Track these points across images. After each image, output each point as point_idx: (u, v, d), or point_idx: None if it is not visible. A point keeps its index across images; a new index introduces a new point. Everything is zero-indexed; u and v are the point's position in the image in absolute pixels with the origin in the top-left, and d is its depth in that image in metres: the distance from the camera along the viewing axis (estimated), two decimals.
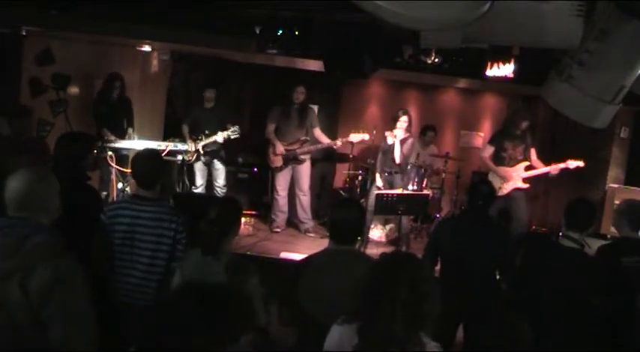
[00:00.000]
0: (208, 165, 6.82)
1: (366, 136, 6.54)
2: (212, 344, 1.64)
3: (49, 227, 2.27)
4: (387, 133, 6.53)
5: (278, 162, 6.73)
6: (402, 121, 6.41)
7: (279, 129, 6.73)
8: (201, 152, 6.62)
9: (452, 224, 4.44)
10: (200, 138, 6.56)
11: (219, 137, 6.43)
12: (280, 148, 6.66)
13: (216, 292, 1.77)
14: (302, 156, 6.74)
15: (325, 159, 8.08)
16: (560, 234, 3.64)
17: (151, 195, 3.31)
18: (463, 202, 6.90)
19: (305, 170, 6.83)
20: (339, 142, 6.61)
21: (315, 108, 7.24)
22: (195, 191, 6.78)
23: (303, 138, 6.70)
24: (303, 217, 6.92)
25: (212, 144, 6.60)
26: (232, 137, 6.46)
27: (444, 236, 3.98)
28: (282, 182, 6.81)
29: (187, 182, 6.78)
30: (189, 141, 6.59)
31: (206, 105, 6.75)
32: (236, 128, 6.44)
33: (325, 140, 6.70)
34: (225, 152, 6.87)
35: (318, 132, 6.77)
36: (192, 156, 6.62)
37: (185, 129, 6.76)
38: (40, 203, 2.28)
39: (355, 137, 6.52)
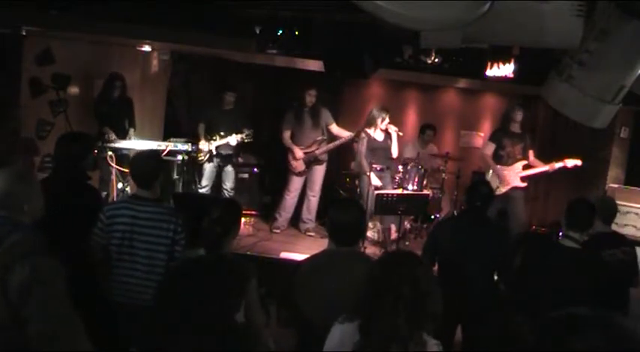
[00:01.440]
0: (219, 167, 6.82)
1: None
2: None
3: (30, 225, 2.26)
4: (370, 131, 6.48)
5: (300, 166, 6.71)
6: (387, 118, 6.43)
7: (294, 134, 6.70)
8: (214, 153, 6.63)
9: (450, 224, 4.44)
10: (215, 138, 6.57)
11: (232, 139, 6.44)
12: (299, 153, 6.64)
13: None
14: (322, 157, 6.74)
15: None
16: (561, 233, 3.64)
17: (149, 195, 3.31)
18: (463, 202, 6.90)
19: (321, 171, 6.83)
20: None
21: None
22: (199, 191, 6.78)
23: (320, 137, 6.69)
24: (306, 217, 6.91)
25: (225, 147, 6.62)
26: (246, 141, 6.48)
27: (442, 236, 3.99)
28: (297, 183, 6.80)
29: (197, 179, 6.79)
30: (203, 140, 6.59)
31: (224, 107, 6.75)
32: (250, 132, 6.46)
33: (345, 134, 6.66)
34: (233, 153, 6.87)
35: (336, 129, 6.76)
36: (205, 156, 6.64)
37: (201, 128, 6.74)
38: (20, 202, 2.27)
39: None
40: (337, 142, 6.75)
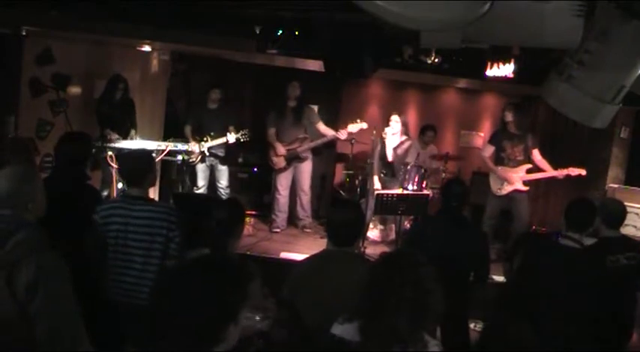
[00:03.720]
0: (211, 167, 6.83)
1: (364, 125, 6.52)
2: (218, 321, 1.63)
3: (34, 223, 2.27)
4: (384, 135, 6.55)
5: (281, 163, 6.75)
6: (394, 121, 6.44)
7: (278, 131, 6.74)
8: (207, 154, 6.63)
9: (428, 225, 4.45)
10: (205, 139, 6.56)
11: (231, 137, 6.44)
12: (281, 150, 6.67)
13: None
14: (304, 154, 6.75)
15: (325, 159, 8.07)
16: (560, 233, 3.63)
17: (141, 193, 3.32)
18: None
19: (306, 169, 6.84)
20: (341, 134, 6.56)
21: (315, 108, 7.24)
22: (196, 191, 6.79)
23: (302, 135, 6.71)
24: (302, 215, 6.98)
25: (217, 147, 6.62)
26: (242, 140, 6.49)
27: (420, 237, 4.00)
28: (283, 182, 6.82)
29: (189, 182, 6.79)
30: (192, 142, 6.59)
31: (210, 106, 6.76)
32: (246, 131, 6.48)
33: (330, 132, 6.68)
34: (227, 152, 6.88)
35: (323, 128, 6.77)
36: (197, 158, 6.63)
37: (188, 129, 6.75)
38: (24, 201, 2.28)
39: (353, 127, 6.50)
40: (319, 141, 6.77)
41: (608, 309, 3.43)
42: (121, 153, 5.85)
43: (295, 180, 6.86)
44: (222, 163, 6.84)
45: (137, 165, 3.38)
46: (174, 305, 1.66)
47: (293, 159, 6.75)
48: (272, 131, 6.74)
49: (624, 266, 3.70)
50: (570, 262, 3.41)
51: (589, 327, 3.32)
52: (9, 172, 2.32)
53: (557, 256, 3.49)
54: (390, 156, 6.47)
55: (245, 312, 1.71)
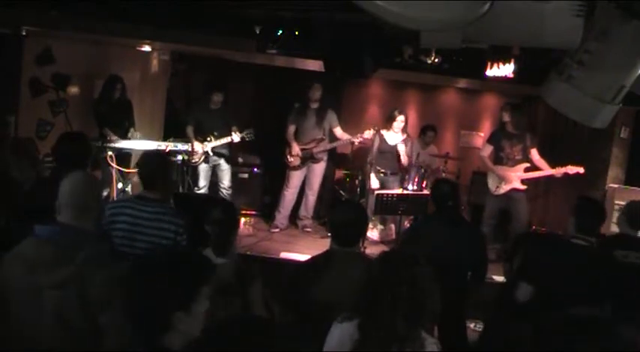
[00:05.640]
0: (214, 167, 6.83)
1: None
2: None
3: (98, 234, 2.26)
4: (384, 132, 6.56)
5: (296, 162, 6.79)
6: (399, 121, 6.47)
7: (297, 130, 6.78)
8: (211, 154, 6.64)
9: (425, 224, 4.44)
10: (209, 139, 6.57)
11: (236, 137, 6.46)
12: (296, 149, 6.69)
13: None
14: (319, 155, 6.78)
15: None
16: (570, 235, 3.59)
17: (154, 195, 3.30)
18: (463, 202, 6.90)
19: (319, 170, 6.89)
20: (356, 139, 6.62)
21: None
22: (197, 192, 6.78)
23: (319, 136, 6.73)
24: (303, 214, 7.00)
25: (221, 145, 6.63)
26: (247, 139, 6.54)
27: (417, 236, 4.00)
28: (295, 180, 6.85)
29: (190, 183, 6.79)
30: (195, 142, 6.58)
31: (212, 106, 6.75)
32: (251, 130, 6.52)
33: (345, 137, 6.74)
34: (229, 152, 6.90)
35: (340, 132, 6.83)
36: (200, 158, 6.63)
37: (190, 129, 6.74)
38: (90, 210, 2.27)
39: (369, 133, 6.54)
40: (335, 143, 6.84)
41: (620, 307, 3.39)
42: (133, 155, 5.87)
43: (306, 179, 6.90)
44: (227, 162, 6.84)
45: (153, 167, 3.36)
46: (130, 296, 1.70)
47: (307, 158, 6.79)
48: (291, 129, 6.78)
49: (633, 263, 3.69)
50: (583, 260, 3.37)
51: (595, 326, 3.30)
52: (73, 180, 2.30)
53: (569, 254, 3.43)
54: (404, 160, 6.49)
55: (202, 302, 1.72)
